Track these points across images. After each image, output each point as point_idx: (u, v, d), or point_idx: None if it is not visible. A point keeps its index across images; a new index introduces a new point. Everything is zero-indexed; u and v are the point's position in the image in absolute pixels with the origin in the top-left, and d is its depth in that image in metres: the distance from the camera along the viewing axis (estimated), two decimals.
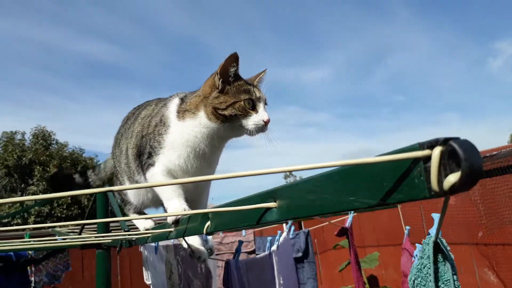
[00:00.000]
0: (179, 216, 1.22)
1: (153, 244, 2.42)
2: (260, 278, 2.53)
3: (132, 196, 1.69)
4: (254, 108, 1.37)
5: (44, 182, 15.44)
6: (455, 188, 0.40)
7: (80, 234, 3.25)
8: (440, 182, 0.41)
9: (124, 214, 1.84)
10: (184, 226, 1.18)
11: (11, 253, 3.31)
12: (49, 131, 17.38)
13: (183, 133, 1.41)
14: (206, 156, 1.43)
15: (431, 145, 0.42)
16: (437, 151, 0.41)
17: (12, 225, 14.52)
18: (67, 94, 31.17)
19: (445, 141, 0.41)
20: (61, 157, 16.34)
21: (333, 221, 3.87)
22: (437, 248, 0.90)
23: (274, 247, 2.89)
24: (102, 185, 2.17)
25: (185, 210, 1.32)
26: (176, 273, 2.57)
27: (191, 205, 1.55)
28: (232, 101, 1.35)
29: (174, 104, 1.48)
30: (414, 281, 0.91)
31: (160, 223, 1.58)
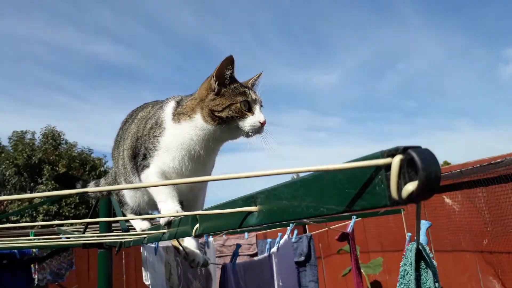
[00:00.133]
0: (172, 218, 1.23)
1: (152, 245, 2.44)
2: (258, 280, 2.53)
3: (129, 198, 1.71)
4: (250, 110, 1.38)
5: (53, 182, 15.58)
6: (413, 197, 0.40)
7: (84, 233, 3.29)
8: (399, 190, 0.41)
9: (123, 215, 1.85)
10: (176, 228, 1.19)
11: (15, 250, 3.35)
12: (58, 131, 17.55)
13: (178, 135, 1.42)
14: (201, 159, 1.44)
15: (391, 153, 0.42)
16: (396, 160, 0.41)
17: (21, 223, 14.69)
18: (77, 95, 31.43)
19: (404, 150, 0.41)
20: (70, 157, 16.46)
21: (334, 226, 3.87)
22: (420, 255, 0.90)
23: (274, 249, 2.89)
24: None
25: (177, 212, 1.33)
26: (176, 274, 2.58)
27: (188, 208, 1.56)
28: (228, 103, 1.36)
29: (170, 107, 1.49)
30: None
31: (156, 224, 1.59)
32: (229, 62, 1.37)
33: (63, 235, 3.19)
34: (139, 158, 1.50)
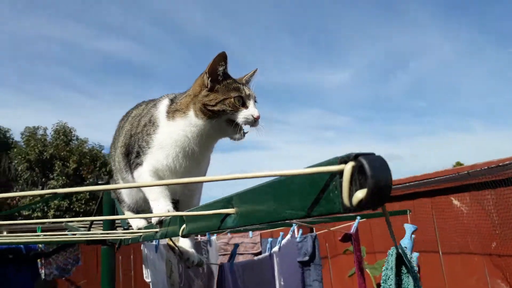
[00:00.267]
0: (163, 217, 1.24)
1: (153, 242, 2.45)
2: (258, 280, 2.53)
3: (126, 196, 1.72)
4: (244, 105, 1.40)
5: (63, 177, 15.79)
6: (363, 204, 0.40)
7: (89, 230, 3.33)
8: (350, 197, 0.41)
9: (122, 213, 1.87)
10: (167, 227, 1.20)
11: (21, 245, 3.40)
12: (70, 127, 17.75)
13: (172, 133, 1.43)
14: (195, 156, 1.45)
15: (344, 160, 0.42)
16: (348, 167, 0.41)
17: (32, 218, 14.92)
18: (88, 91, 31.75)
19: (356, 157, 0.41)
20: (81, 153, 16.64)
21: (339, 226, 3.85)
22: (401, 260, 0.89)
23: (275, 249, 2.89)
24: None
25: (168, 211, 1.34)
26: (177, 272, 2.59)
27: (184, 205, 1.57)
28: (222, 98, 1.37)
29: (163, 104, 1.50)
30: None
31: (151, 223, 1.60)
32: (222, 58, 1.38)
33: (69, 231, 3.23)
34: (132, 155, 1.51)
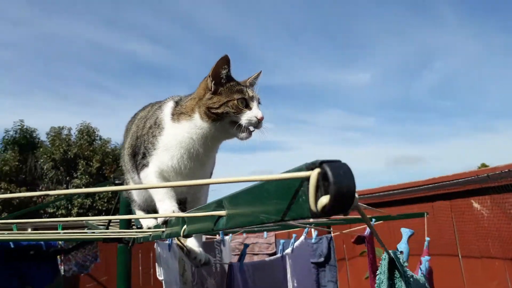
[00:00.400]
0: (168, 217, 1.27)
1: (166, 241, 2.49)
2: (269, 280, 2.54)
3: (136, 195, 1.76)
4: (247, 107, 1.41)
5: (87, 176, 16.14)
6: (327, 210, 0.41)
7: (107, 228, 3.40)
8: (317, 202, 0.42)
9: (133, 212, 1.92)
10: (171, 227, 1.23)
11: (42, 242, 3.51)
12: (93, 127, 18.14)
13: (177, 134, 1.45)
14: (200, 157, 1.47)
15: (311, 167, 0.43)
16: (314, 173, 0.42)
17: (57, 216, 15.31)
18: (112, 92, 32.35)
19: (321, 163, 0.42)
20: (104, 152, 16.97)
21: (355, 228, 3.83)
22: (394, 265, 0.89)
23: (288, 250, 2.89)
24: None
25: (173, 211, 1.36)
26: (190, 270, 2.62)
27: (191, 205, 1.59)
28: (225, 100, 1.39)
29: (168, 107, 1.53)
30: None
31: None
32: (225, 61, 1.40)
33: (89, 228, 3.32)
34: (138, 156, 1.55)
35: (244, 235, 4.19)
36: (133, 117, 1.80)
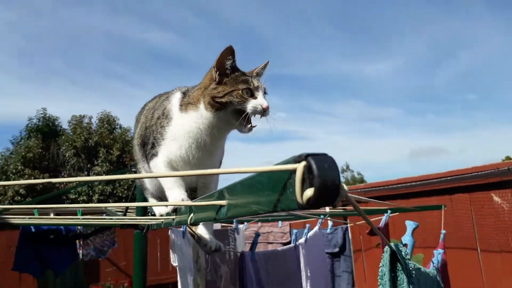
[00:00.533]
0: (177, 205, 1.29)
1: (180, 228, 2.53)
2: (282, 270, 2.56)
3: (148, 183, 1.80)
4: (252, 96, 1.41)
5: (107, 164, 16.43)
6: (312, 202, 0.41)
7: (125, 215, 3.48)
8: (302, 195, 0.43)
9: (146, 200, 1.96)
10: (181, 215, 1.25)
11: (62, 227, 3.61)
12: (113, 116, 18.39)
13: (185, 125, 1.47)
14: (208, 147, 1.48)
15: (297, 160, 0.44)
16: (300, 166, 0.43)
17: (78, 202, 15.69)
18: (132, 81, 32.75)
19: (306, 156, 0.42)
20: (124, 141, 17.21)
21: (373, 219, 3.81)
22: (395, 257, 0.89)
23: (301, 240, 2.90)
24: None
25: (183, 200, 1.39)
26: (203, 257, 2.66)
27: (201, 193, 1.62)
28: (230, 90, 1.40)
29: (176, 97, 1.55)
30: None
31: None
32: (229, 52, 1.41)
33: (107, 215, 3.40)
34: (148, 146, 1.57)
35: (259, 224, 4.22)
36: (142, 108, 1.83)
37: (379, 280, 0.90)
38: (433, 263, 1.76)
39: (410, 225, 1.25)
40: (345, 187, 0.45)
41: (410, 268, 0.89)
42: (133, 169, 3.31)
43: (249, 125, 1.40)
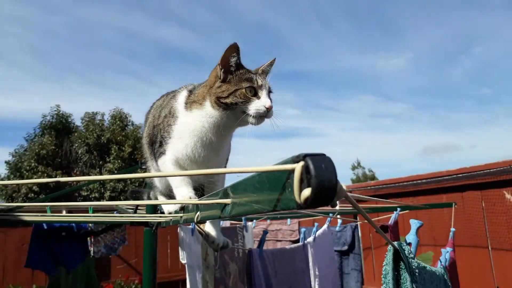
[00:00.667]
0: (184, 203, 1.30)
1: (189, 226, 2.55)
2: (290, 268, 2.56)
3: (157, 181, 1.81)
4: (256, 95, 1.40)
5: (119, 160, 16.56)
6: (309, 202, 0.42)
7: (135, 212, 3.51)
8: (300, 195, 0.43)
9: (155, 198, 1.97)
10: (188, 213, 1.27)
11: (73, 224, 3.66)
12: (125, 113, 18.52)
13: (190, 123, 1.47)
14: (213, 145, 1.48)
15: (296, 160, 0.44)
16: (298, 166, 0.43)
17: (90, 199, 15.86)
18: (144, 77, 32.91)
19: (304, 157, 0.43)
20: (136, 138, 17.32)
21: (382, 217, 3.80)
22: (398, 256, 0.89)
23: (310, 239, 2.91)
24: None
25: (190, 198, 1.40)
26: (212, 255, 2.68)
27: (209, 191, 1.63)
28: (234, 89, 1.39)
29: (182, 96, 1.55)
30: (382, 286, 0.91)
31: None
32: (234, 49, 1.40)
33: (118, 212, 3.43)
34: (156, 145, 1.59)
35: (268, 221, 4.24)
36: (151, 106, 1.85)
37: (383, 278, 0.90)
38: (440, 261, 1.75)
39: (414, 223, 1.25)
40: (344, 186, 0.46)
41: (414, 267, 0.89)
42: (143, 167, 3.35)
43: (256, 119, 1.39)
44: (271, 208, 0.51)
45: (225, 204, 0.78)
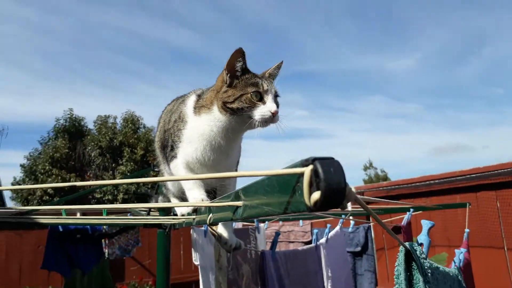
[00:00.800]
0: (197, 206, 1.32)
1: (202, 227, 2.58)
2: (302, 270, 2.57)
3: (170, 184, 1.84)
4: (261, 100, 1.41)
5: (131, 163, 16.71)
6: (319, 205, 0.43)
7: (148, 214, 3.55)
8: (310, 198, 0.44)
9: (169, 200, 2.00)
10: (201, 215, 1.28)
11: (88, 226, 3.71)
12: (137, 116, 18.69)
13: (199, 127, 1.49)
14: (222, 149, 1.50)
15: (305, 163, 0.45)
16: (308, 170, 0.44)
17: (104, 201, 16.03)
18: (154, 80, 33.14)
19: (313, 160, 0.44)
20: (148, 140, 17.46)
21: (394, 218, 3.78)
22: (411, 256, 0.89)
23: (322, 240, 2.90)
24: None
25: (202, 200, 1.42)
26: (225, 256, 2.70)
27: (221, 193, 1.64)
28: (239, 94, 1.40)
29: (191, 100, 1.57)
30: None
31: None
32: (239, 54, 1.41)
33: (131, 214, 3.47)
34: (167, 149, 1.61)
35: (280, 222, 4.24)
36: (162, 111, 1.87)
37: (395, 279, 0.90)
38: (454, 262, 1.74)
39: (426, 224, 1.24)
40: (353, 189, 0.47)
41: (426, 267, 0.89)
42: (156, 169, 3.38)
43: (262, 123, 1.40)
44: (282, 210, 0.52)
45: (237, 207, 0.79)
